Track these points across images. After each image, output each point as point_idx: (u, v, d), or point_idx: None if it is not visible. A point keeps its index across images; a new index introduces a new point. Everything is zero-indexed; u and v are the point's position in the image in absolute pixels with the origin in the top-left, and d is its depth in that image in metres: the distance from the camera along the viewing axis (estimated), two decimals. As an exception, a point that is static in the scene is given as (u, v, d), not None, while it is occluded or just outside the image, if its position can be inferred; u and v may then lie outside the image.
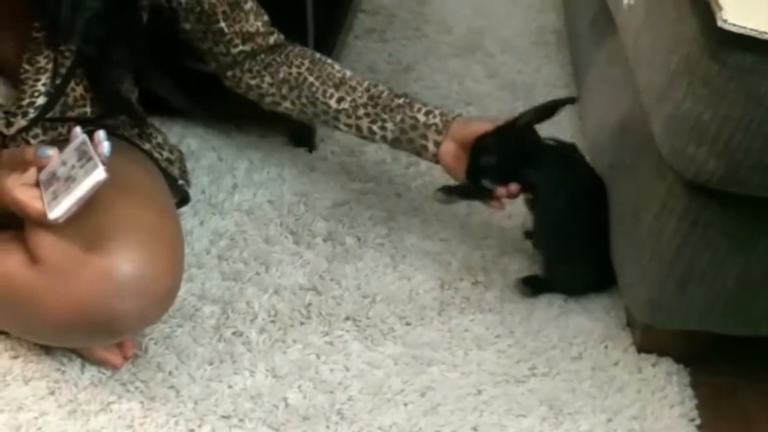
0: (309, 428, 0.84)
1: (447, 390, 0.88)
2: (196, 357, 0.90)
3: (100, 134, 0.75)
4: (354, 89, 0.92)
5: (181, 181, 0.97)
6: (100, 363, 0.88)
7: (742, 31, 0.63)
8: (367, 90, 0.92)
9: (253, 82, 0.94)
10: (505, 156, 0.87)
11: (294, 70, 0.93)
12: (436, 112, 0.91)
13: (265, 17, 0.93)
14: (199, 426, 0.84)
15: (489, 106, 1.20)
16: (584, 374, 0.89)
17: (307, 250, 1.01)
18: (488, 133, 0.88)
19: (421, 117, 0.91)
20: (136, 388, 0.87)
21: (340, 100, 0.92)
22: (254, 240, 1.03)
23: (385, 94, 0.92)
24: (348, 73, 0.94)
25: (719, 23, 0.63)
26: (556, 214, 0.92)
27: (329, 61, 0.95)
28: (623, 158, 0.89)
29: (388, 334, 0.93)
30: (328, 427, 0.84)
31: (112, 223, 0.78)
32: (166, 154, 0.96)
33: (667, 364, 0.90)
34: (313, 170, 1.12)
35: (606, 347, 0.92)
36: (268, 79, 0.94)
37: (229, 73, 0.94)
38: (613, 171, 0.91)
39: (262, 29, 0.92)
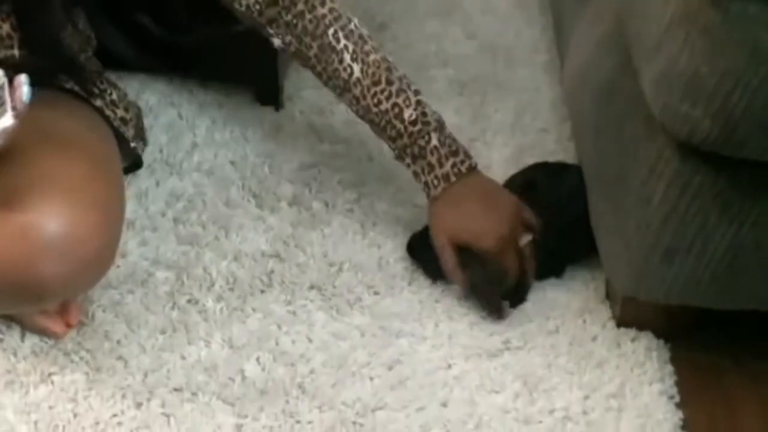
0: (267, 403, 0.79)
1: (416, 363, 0.83)
2: (148, 325, 0.84)
3: (21, 78, 0.68)
4: (357, 101, 0.83)
5: (133, 144, 0.90)
6: (39, 332, 0.82)
7: (746, -24, 0.58)
8: (368, 110, 0.83)
9: (264, 33, 0.85)
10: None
11: (303, 50, 0.84)
12: (422, 179, 0.85)
13: None
14: (148, 399, 0.78)
15: (468, 68, 1.15)
16: (561, 349, 0.85)
17: (270, 215, 0.96)
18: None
19: (412, 175, 0.86)
20: (81, 358, 0.81)
21: (349, 104, 0.86)
22: (214, 203, 0.96)
23: (382, 125, 0.84)
24: (356, 72, 0.82)
25: (722, -33, 0.58)
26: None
27: (340, 46, 0.82)
28: (609, 122, 0.84)
29: (354, 305, 0.88)
30: (287, 401, 0.79)
31: (34, 177, 0.72)
32: (120, 112, 0.89)
33: (647, 340, 0.86)
34: (280, 130, 1.06)
35: (584, 321, 0.88)
36: (277, 42, 0.85)
37: (236, 13, 0.84)
38: (597, 136, 0.87)
39: None
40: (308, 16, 0.82)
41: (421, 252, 0.89)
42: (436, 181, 0.84)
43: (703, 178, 0.70)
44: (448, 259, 0.85)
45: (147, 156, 0.97)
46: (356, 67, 0.82)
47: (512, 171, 0.96)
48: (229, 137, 1.04)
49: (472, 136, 1.06)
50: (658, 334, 0.86)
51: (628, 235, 0.77)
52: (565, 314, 0.88)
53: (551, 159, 1.01)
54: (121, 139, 0.88)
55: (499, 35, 1.21)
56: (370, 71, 0.82)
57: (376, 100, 0.83)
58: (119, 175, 0.84)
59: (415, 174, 0.86)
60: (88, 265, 0.73)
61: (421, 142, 0.84)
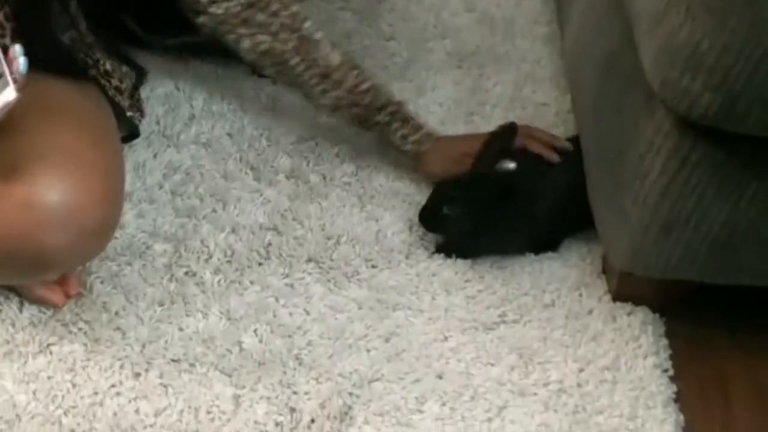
0: (264, 374, 0.79)
1: (412, 336, 0.84)
2: (145, 297, 0.84)
3: (16, 48, 0.67)
4: (339, 85, 0.87)
5: (129, 113, 0.90)
6: (39, 302, 0.82)
7: (749, -52, 0.57)
8: (351, 91, 0.88)
9: (230, 37, 0.87)
10: (473, 205, 0.86)
11: (278, 46, 0.86)
12: (412, 138, 0.90)
13: None
14: (147, 370, 0.79)
15: (467, 40, 1.14)
16: (557, 322, 0.85)
17: (268, 188, 0.95)
18: (449, 181, 0.88)
19: (396, 140, 0.91)
20: (79, 329, 0.82)
21: (323, 92, 0.88)
22: (211, 175, 0.96)
23: (366, 101, 0.89)
24: (335, 60, 0.87)
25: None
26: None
27: (317, 37, 0.87)
28: (608, 96, 0.84)
29: (352, 277, 0.88)
30: (284, 373, 0.80)
31: (35, 148, 0.71)
32: (114, 82, 0.88)
33: (642, 314, 0.87)
34: (278, 102, 1.05)
35: (580, 295, 0.88)
36: (246, 43, 0.86)
37: (201, 20, 0.86)
38: (597, 109, 0.86)
39: None
40: (284, 13, 0.86)
41: (439, 218, 0.89)
42: (425, 138, 0.91)
43: (701, 152, 0.70)
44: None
45: (144, 128, 0.97)
46: (334, 55, 0.88)
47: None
48: (227, 109, 1.03)
49: (470, 110, 1.05)
50: (654, 309, 0.87)
51: (625, 209, 0.77)
52: (562, 288, 0.88)
53: (551, 132, 1.00)
54: (116, 109, 0.87)
55: (498, 6, 1.20)
56: (345, 59, 0.89)
57: (358, 80, 0.89)
58: (118, 144, 0.84)
59: (404, 137, 0.91)
60: (91, 235, 0.73)
61: (405, 109, 0.92)
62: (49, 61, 0.79)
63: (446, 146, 0.91)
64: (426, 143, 0.91)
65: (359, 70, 0.89)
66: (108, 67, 0.88)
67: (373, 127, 0.90)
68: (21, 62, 0.67)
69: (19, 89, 0.66)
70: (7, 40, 0.77)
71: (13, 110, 0.68)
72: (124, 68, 0.94)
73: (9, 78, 0.66)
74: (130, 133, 0.94)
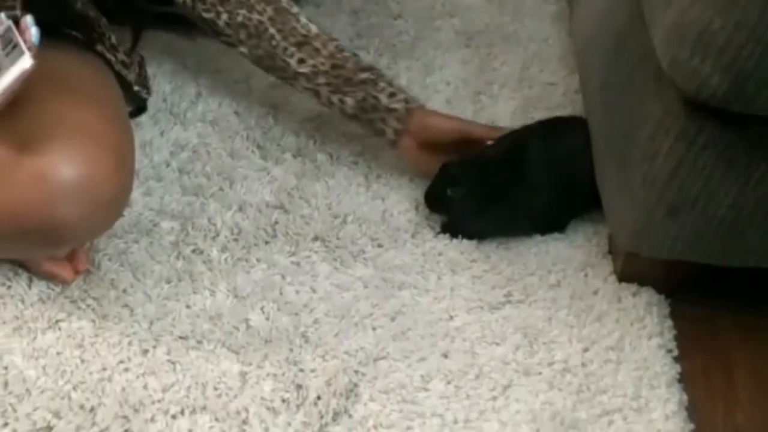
0: (271, 351, 0.80)
1: (418, 315, 0.84)
2: (153, 274, 0.85)
3: (27, 20, 0.68)
4: (317, 52, 0.86)
5: (136, 87, 0.89)
6: (48, 277, 0.83)
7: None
8: (331, 56, 0.87)
9: (207, 16, 0.87)
10: (477, 187, 0.86)
11: (255, 16, 0.86)
12: (401, 96, 0.88)
13: None
14: (154, 347, 0.80)
15: (474, 19, 1.13)
16: (562, 303, 0.86)
17: (275, 166, 0.96)
18: (454, 162, 0.86)
19: (384, 99, 0.87)
20: (88, 305, 0.82)
21: (300, 61, 0.87)
22: (218, 153, 0.96)
23: (349, 65, 0.87)
24: (313, 29, 0.87)
25: None
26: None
27: (294, 10, 0.88)
28: (617, 76, 0.83)
29: (358, 256, 0.88)
30: (291, 350, 0.80)
31: (47, 121, 0.72)
32: (120, 56, 0.88)
33: (647, 294, 0.87)
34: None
35: (586, 275, 0.88)
36: (224, 17, 0.87)
37: None
38: (604, 91, 0.86)
39: None
40: None
41: (443, 201, 0.89)
42: (412, 98, 0.89)
43: (709, 134, 0.70)
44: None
45: (151, 106, 0.97)
46: (312, 26, 0.88)
47: (518, 124, 0.96)
48: (234, 87, 1.03)
49: (477, 89, 1.05)
50: (659, 290, 0.87)
51: (632, 190, 0.77)
52: (567, 268, 0.89)
53: (558, 112, 1.00)
54: (123, 83, 0.88)
55: (507, -16, 1.19)
56: (322, 30, 0.88)
57: (337, 48, 0.88)
58: (127, 118, 0.84)
59: (392, 95, 0.88)
60: (104, 208, 0.73)
61: (387, 75, 0.90)
62: (62, 25, 0.79)
63: (432, 127, 0.88)
64: (414, 103, 0.88)
65: (338, 42, 0.88)
66: (114, 41, 0.88)
67: (357, 87, 0.87)
68: (33, 32, 0.67)
69: (34, 57, 0.67)
70: (18, 12, 0.77)
71: (26, 82, 0.68)
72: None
73: (23, 46, 0.66)
74: (137, 108, 0.94)
